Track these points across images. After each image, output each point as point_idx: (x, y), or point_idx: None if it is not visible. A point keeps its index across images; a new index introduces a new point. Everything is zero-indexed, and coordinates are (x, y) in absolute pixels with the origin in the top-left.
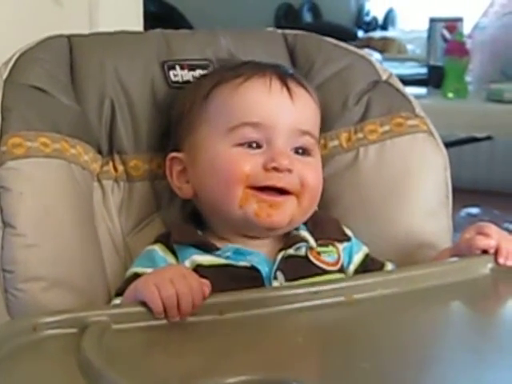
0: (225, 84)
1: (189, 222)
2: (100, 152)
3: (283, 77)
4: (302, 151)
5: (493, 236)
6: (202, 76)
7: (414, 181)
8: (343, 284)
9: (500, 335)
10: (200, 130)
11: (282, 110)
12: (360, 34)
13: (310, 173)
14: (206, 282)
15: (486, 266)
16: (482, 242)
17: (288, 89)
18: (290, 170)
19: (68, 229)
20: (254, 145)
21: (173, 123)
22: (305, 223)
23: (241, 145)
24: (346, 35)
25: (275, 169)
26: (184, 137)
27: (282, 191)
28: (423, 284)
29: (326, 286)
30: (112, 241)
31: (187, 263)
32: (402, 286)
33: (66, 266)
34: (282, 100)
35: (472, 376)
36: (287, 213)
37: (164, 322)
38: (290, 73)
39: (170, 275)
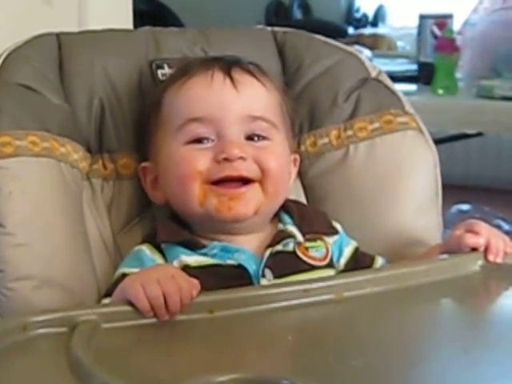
0: (171, 86)
1: (175, 221)
2: (89, 151)
3: (226, 68)
4: (258, 137)
5: (482, 234)
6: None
7: (404, 178)
8: (333, 282)
9: (489, 332)
10: (157, 136)
11: (225, 101)
12: (350, 30)
13: (267, 156)
14: (194, 281)
15: (476, 263)
16: (471, 240)
17: (231, 78)
18: (242, 158)
19: (57, 228)
20: (204, 140)
21: (141, 134)
22: (292, 217)
23: (190, 142)
24: (336, 32)
25: (227, 159)
26: (149, 146)
27: (243, 181)
28: (413, 281)
29: (315, 283)
30: (102, 240)
31: (175, 263)
32: (391, 284)
33: (56, 265)
34: (225, 91)
35: (460, 372)
36: (251, 203)
37: (153, 320)
38: (235, 62)
39: (157, 275)
